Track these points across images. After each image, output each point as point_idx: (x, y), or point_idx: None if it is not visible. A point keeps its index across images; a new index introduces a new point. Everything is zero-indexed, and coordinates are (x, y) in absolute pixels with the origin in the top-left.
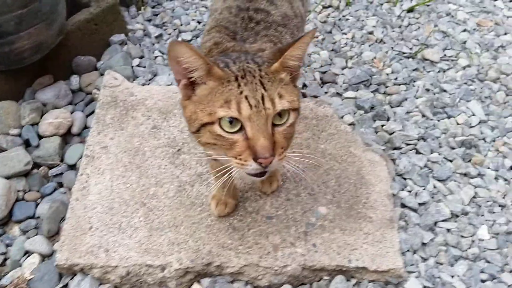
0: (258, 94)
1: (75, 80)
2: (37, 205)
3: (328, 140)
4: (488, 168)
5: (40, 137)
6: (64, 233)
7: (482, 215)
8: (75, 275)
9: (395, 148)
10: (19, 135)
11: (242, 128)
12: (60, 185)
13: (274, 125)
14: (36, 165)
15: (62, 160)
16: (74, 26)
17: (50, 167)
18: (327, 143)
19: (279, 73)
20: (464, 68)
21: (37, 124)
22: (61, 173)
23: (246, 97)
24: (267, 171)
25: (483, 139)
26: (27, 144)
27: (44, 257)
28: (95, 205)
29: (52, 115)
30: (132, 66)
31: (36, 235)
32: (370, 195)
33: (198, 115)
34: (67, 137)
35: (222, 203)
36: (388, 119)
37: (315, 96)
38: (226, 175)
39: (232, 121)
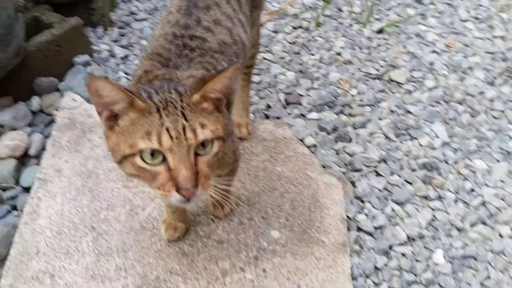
0: (179, 125)
1: (35, 101)
2: None
3: (285, 162)
4: (449, 190)
5: None
6: (10, 258)
7: (439, 239)
8: None
9: (355, 170)
10: None
11: (165, 160)
12: (15, 208)
13: (198, 155)
14: None
15: (17, 183)
16: (35, 48)
17: (4, 189)
18: (284, 166)
19: (201, 103)
20: (430, 89)
21: None
22: (16, 196)
23: (167, 129)
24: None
25: (445, 161)
26: None
27: None
28: (44, 229)
29: (8, 137)
30: None
31: None
32: (324, 218)
33: (120, 146)
34: (24, 159)
35: (172, 227)
36: (350, 141)
37: (278, 118)
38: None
39: (154, 153)
